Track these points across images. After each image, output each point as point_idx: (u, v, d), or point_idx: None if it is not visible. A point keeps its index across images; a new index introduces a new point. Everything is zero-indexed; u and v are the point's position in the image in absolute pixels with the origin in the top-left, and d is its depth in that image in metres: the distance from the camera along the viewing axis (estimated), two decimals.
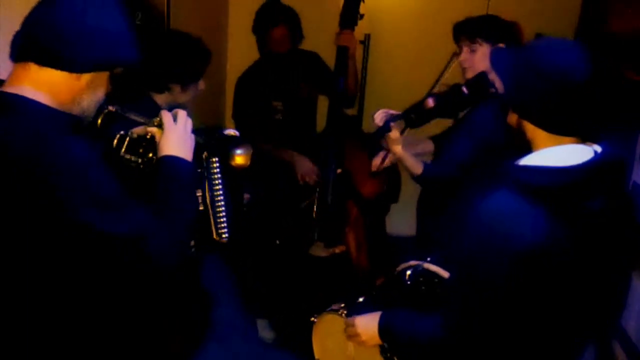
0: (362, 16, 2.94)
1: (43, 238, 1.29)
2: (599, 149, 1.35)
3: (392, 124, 2.25)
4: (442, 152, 2.48)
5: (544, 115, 1.34)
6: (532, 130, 1.38)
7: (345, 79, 2.99)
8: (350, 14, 2.91)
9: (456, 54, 2.37)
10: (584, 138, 1.36)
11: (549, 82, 1.31)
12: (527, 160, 1.37)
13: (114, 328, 1.49)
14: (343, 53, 2.94)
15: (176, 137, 1.53)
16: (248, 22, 3.10)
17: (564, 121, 1.33)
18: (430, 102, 2.26)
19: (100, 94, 1.45)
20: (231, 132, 1.85)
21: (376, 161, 2.49)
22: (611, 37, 3.09)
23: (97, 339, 1.45)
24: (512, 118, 1.43)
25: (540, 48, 1.36)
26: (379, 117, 2.30)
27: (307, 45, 3.19)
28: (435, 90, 2.36)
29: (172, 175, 1.48)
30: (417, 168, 2.29)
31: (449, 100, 2.28)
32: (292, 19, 3.03)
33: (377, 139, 2.35)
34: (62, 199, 1.25)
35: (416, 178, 2.32)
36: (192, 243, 1.85)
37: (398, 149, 2.28)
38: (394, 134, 2.25)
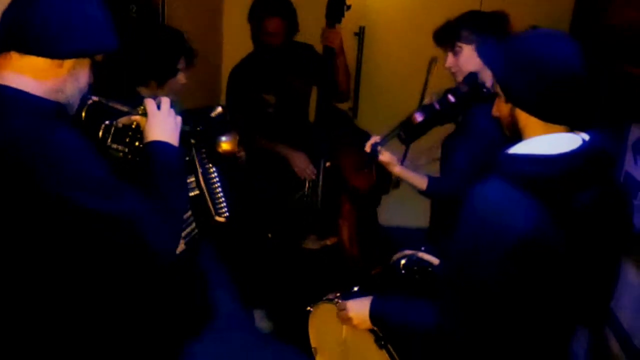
0: (349, 7, 2.85)
1: (37, 226, 1.30)
2: (586, 137, 1.36)
3: (379, 147, 2.26)
4: (444, 160, 2.45)
5: (538, 103, 1.34)
6: (525, 119, 1.38)
7: (333, 77, 2.98)
8: (334, 8, 2.86)
9: (434, 60, 2.34)
10: (573, 127, 1.37)
11: (544, 71, 1.31)
12: (516, 149, 1.38)
13: (111, 316, 1.50)
14: (328, 52, 2.93)
15: (160, 123, 1.54)
16: (243, 14, 3.08)
17: (559, 109, 1.34)
18: (418, 117, 2.23)
19: (83, 81, 1.45)
20: (219, 109, 1.86)
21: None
22: (606, 30, 3.09)
23: (94, 328, 1.47)
24: (501, 108, 1.44)
25: (535, 38, 1.37)
26: (368, 145, 2.28)
27: (300, 40, 3.16)
28: (426, 100, 2.31)
29: (158, 160, 1.49)
30: (422, 183, 2.28)
31: (438, 111, 2.24)
32: (288, 11, 3.00)
33: (369, 165, 2.31)
34: (53, 185, 1.26)
35: (422, 193, 2.31)
36: (194, 226, 1.87)
37: (396, 169, 2.28)
38: (384, 157, 2.26)
